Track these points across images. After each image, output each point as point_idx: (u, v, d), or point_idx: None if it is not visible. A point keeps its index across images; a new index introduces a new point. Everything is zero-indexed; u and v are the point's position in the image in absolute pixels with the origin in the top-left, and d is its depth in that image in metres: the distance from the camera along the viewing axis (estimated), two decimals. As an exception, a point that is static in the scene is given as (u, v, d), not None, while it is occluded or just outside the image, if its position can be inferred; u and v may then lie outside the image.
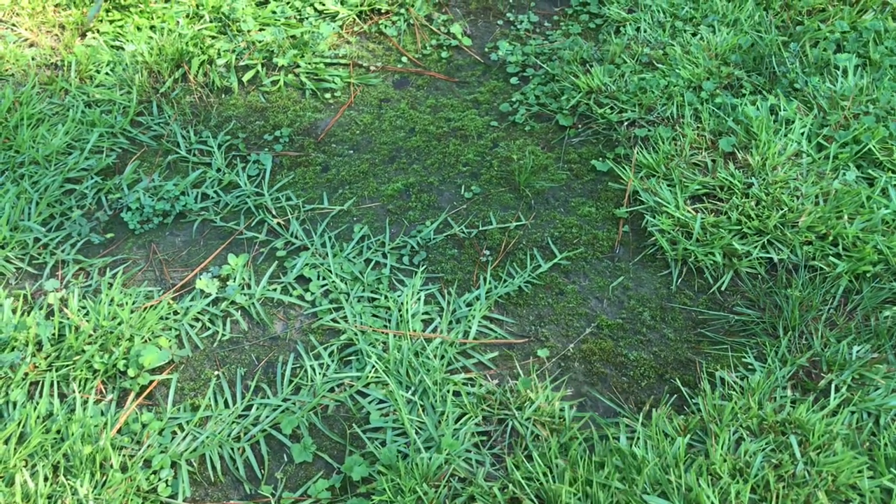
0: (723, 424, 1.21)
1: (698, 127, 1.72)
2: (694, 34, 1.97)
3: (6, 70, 1.98)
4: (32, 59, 2.01)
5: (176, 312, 1.46)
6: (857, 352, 1.30)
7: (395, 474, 1.18)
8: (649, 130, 1.74)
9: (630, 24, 2.03)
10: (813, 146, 1.66)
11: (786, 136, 1.67)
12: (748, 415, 1.23)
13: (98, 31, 2.08)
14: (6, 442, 1.26)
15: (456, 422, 1.27)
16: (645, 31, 1.99)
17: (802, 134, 1.68)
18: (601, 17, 2.12)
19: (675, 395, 1.31)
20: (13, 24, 2.13)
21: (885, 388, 1.26)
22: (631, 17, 2.05)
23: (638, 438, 1.21)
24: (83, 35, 2.09)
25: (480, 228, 1.60)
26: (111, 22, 2.13)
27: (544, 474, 1.16)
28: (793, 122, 1.71)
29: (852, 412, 1.24)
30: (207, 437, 1.27)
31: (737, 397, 1.25)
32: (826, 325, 1.37)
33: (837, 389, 1.27)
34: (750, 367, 1.33)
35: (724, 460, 1.16)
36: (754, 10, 2.02)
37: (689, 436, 1.21)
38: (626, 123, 1.78)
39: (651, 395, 1.31)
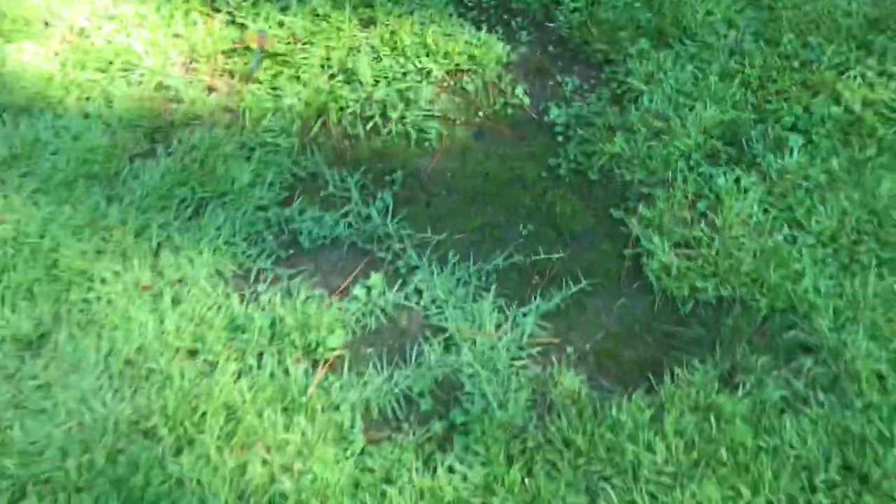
0: (673, 404, 2.08)
1: (684, 190, 2.51)
2: (691, 109, 2.72)
3: (197, 113, 2.77)
4: (215, 103, 2.80)
5: (340, 310, 2.32)
6: (760, 362, 2.15)
7: (480, 423, 2.07)
8: (651, 189, 2.54)
9: (646, 94, 2.78)
10: (760, 210, 2.45)
11: (744, 201, 2.46)
12: (689, 398, 2.09)
13: (258, 79, 2.86)
14: (251, 390, 2.14)
15: (516, 393, 2.14)
16: (657, 104, 2.74)
17: (755, 200, 2.47)
18: (626, 83, 2.86)
19: (649, 382, 2.17)
20: (194, 70, 2.91)
21: (774, 386, 2.12)
22: (647, 89, 2.79)
23: (622, 409, 2.08)
24: (248, 81, 2.86)
25: (532, 259, 2.43)
26: (265, 70, 2.89)
27: (567, 427, 2.04)
28: (749, 190, 2.49)
29: (751, 401, 2.09)
30: (369, 393, 2.16)
31: (684, 387, 2.12)
32: (746, 343, 2.21)
33: (744, 386, 2.12)
34: (695, 367, 2.18)
35: (672, 426, 2.03)
36: (737, 90, 2.75)
37: (653, 409, 2.08)
38: (635, 182, 2.57)
39: (634, 381, 2.18)
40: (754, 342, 2.21)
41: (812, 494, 1.92)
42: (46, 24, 3.07)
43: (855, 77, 2.75)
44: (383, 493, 1.96)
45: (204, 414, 2.08)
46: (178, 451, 2.03)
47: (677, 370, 2.18)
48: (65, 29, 3.04)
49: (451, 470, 2.00)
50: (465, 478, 1.98)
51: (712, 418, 2.04)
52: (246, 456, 2.03)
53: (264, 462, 2.02)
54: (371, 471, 2.01)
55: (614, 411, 2.08)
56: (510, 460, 2.01)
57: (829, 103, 2.69)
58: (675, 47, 2.93)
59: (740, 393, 2.10)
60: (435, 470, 2.00)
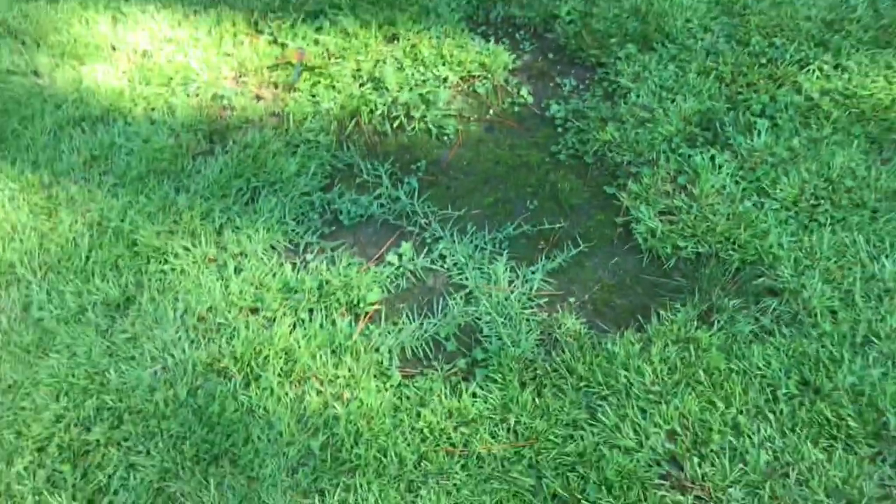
0: (659, 338, 2.48)
1: (667, 168, 2.93)
2: (672, 101, 3.15)
3: (248, 118, 3.23)
4: (263, 109, 3.26)
5: (376, 273, 2.75)
6: (732, 304, 2.55)
7: (497, 357, 2.47)
8: (638, 168, 2.96)
9: (634, 91, 3.21)
10: (732, 182, 2.87)
11: (718, 175, 2.88)
12: (672, 333, 2.49)
13: (298, 89, 3.32)
14: (304, 338, 2.56)
15: (526, 334, 2.55)
16: (643, 98, 3.18)
17: (728, 174, 2.88)
18: (616, 82, 3.30)
19: (638, 323, 2.57)
20: (244, 82, 3.37)
21: (744, 322, 2.51)
22: (634, 86, 3.23)
23: (616, 343, 2.49)
24: (290, 90, 3.33)
25: (538, 228, 2.85)
26: (305, 80, 3.36)
27: (570, 358, 2.45)
28: (723, 166, 2.91)
29: (724, 334, 2.49)
30: (403, 338, 2.57)
31: (668, 325, 2.52)
32: (720, 289, 2.61)
33: (719, 323, 2.52)
34: (677, 309, 2.58)
35: (658, 355, 2.43)
36: (712, 84, 3.18)
37: (641, 344, 2.48)
38: (625, 163, 3.00)
39: (626, 322, 2.58)
40: (728, 288, 2.61)
41: (775, 405, 2.31)
42: (114, 48, 3.56)
43: (814, 70, 3.18)
44: (418, 413, 2.37)
45: (266, 356, 2.51)
46: (247, 386, 2.45)
47: (662, 312, 2.58)
48: (130, 51, 3.53)
49: (474, 395, 2.41)
50: (485, 400, 2.39)
51: (692, 348, 2.44)
52: (303, 388, 2.45)
53: (318, 392, 2.44)
54: (407, 398, 2.42)
55: (609, 345, 2.49)
56: (523, 385, 2.42)
57: (791, 93, 3.11)
58: (658, 50, 3.37)
59: (715, 328, 2.50)
60: (461, 395, 2.41)
